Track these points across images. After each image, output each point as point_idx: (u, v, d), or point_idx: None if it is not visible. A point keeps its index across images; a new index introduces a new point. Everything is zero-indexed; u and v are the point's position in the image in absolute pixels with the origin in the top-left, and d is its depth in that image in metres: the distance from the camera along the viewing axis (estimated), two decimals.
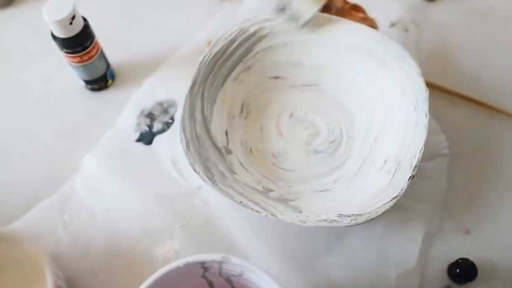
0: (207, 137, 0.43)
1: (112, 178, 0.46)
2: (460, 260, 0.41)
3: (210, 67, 0.45)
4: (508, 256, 0.42)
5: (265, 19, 0.47)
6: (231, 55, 0.46)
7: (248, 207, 0.38)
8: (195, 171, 0.39)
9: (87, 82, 0.51)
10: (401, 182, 0.38)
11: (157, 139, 0.49)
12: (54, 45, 0.47)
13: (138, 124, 0.50)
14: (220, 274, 0.32)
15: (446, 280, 0.41)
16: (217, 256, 0.29)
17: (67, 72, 0.51)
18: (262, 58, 0.48)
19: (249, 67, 0.48)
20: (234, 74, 0.47)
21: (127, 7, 0.60)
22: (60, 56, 0.48)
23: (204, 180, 0.39)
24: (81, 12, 0.46)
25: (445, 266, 0.41)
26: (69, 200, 0.45)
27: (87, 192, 0.46)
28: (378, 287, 0.41)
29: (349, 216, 0.37)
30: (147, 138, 0.49)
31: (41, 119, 0.51)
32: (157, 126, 0.50)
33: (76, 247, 0.43)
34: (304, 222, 0.37)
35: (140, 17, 0.59)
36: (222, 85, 0.47)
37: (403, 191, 0.38)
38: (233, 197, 0.38)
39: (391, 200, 0.37)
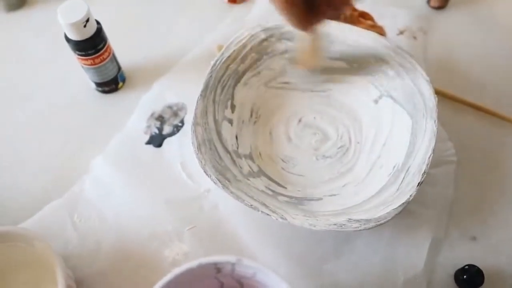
0: (218, 141, 0.44)
1: (122, 180, 0.47)
2: (467, 267, 0.41)
3: (222, 71, 0.46)
4: None
5: (275, 25, 0.47)
6: (242, 60, 0.47)
7: (258, 210, 0.38)
8: (206, 174, 0.40)
9: (98, 85, 0.52)
10: (410, 188, 0.39)
11: (166, 142, 0.49)
12: (66, 47, 0.47)
13: (148, 127, 0.50)
14: (232, 276, 0.32)
15: (453, 286, 0.41)
16: (231, 258, 0.30)
17: (78, 74, 0.52)
18: (272, 64, 0.49)
19: (259, 72, 0.48)
20: (244, 79, 0.48)
21: (139, 11, 0.61)
22: (71, 58, 0.49)
23: (215, 183, 0.39)
24: (94, 15, 0.46)
25: (452, 272, 0.42)
26: (78, 202, 0.46)
27: (97, 193, 0.46)
28: None
29: (358, 221, 0.37)
30: (157, 140, 0.49)
31: (52, 120, 0.52)
32: (167, 129, 0.50)
33: (86, 248, 0.43)
34: (314, 226, 0.37)
35: (151, 21, 0.60)
36: (233, 89, 0.47)
37: (412, 197, 0.38)
38: (243, 200, 0.39)
39: (400, 205, 0.38)
